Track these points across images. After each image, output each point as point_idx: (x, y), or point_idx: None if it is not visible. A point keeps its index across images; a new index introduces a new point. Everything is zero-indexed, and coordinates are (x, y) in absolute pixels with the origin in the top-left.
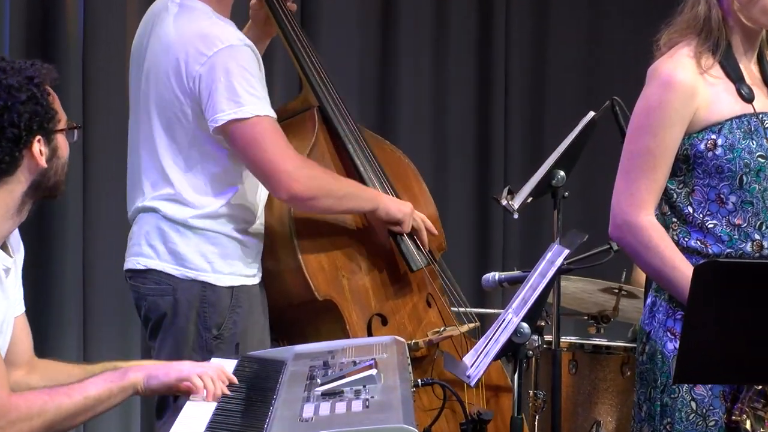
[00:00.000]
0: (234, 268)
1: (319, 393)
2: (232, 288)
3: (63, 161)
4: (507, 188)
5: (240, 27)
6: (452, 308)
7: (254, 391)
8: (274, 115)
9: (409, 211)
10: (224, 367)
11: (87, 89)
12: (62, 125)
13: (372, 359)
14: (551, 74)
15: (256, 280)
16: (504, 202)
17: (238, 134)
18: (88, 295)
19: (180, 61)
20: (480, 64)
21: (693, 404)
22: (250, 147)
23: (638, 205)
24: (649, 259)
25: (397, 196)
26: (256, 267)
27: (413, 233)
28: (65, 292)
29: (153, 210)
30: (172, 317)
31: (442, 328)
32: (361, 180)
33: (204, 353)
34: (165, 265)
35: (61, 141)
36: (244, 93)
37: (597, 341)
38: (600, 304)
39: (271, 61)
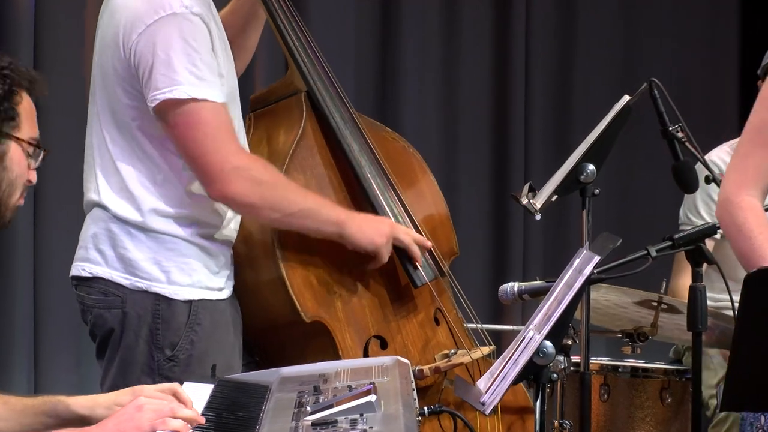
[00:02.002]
0: (194, 279)
1: (309, 423)
2: (190, 302)
3: (12, 176)
4: (528, 185)
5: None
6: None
7: (233, 420)
8: (219, 100)
9: (383, 239)
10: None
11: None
12: (21, 135)
13: (370, 383)
14: (580, 53)
15: (224, 295)
16: (524, 201)
17: (172, 119)
18: (39, 306)
19: (120, 27)
20: (496, 42)
21: None
22: (183, 136)
23: (742, 182)
24: (739, 241)
25: (399, 194)
26: (224, 279)
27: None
28: (13, 302)
29: (103, 207)
30: (120, 333)
31: (452, 351)
32: (356, 177)
33: (155, 377)
34: (113, 273)
35: (15, 152)
36: (183, 70)
37: (633, 363)
38: (636, 319)
39: None
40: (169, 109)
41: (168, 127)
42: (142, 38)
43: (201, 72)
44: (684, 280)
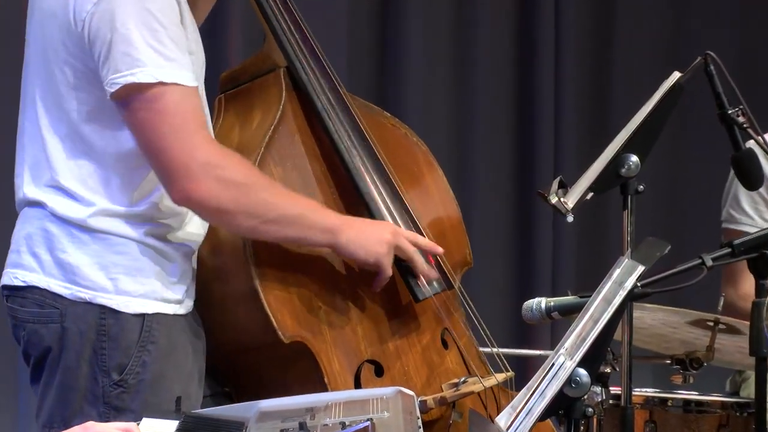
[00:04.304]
0: (147, 289)
1: None
2: (143, 316)
3: None
4: (558, 180)
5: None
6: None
7: None
8: (189, 83)
9: (385, 249)
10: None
11: None
12: None
13: (367, 420)
14: (620, 23)
15: (183, 309)
16: (554, 200)
17: (133, 106)
18: None
19: None
20: (521, 13)
21: None
22: (145, 125)
23: None
24: None
25: (401, 193)
26: (183, 290)
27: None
28: None
29: (38, 204)
30: (58, 353)
31: (461, 379)
32: (347, 171)
33: (100, 405)
34: (50, 281)
35: None
36: (147, 49)
37: (684, 395)
38: (689, 342)
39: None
40: (131, 95)
41: (128, 115)
42: (98, 8)
43: (168, 50)
44: (744, 289)
